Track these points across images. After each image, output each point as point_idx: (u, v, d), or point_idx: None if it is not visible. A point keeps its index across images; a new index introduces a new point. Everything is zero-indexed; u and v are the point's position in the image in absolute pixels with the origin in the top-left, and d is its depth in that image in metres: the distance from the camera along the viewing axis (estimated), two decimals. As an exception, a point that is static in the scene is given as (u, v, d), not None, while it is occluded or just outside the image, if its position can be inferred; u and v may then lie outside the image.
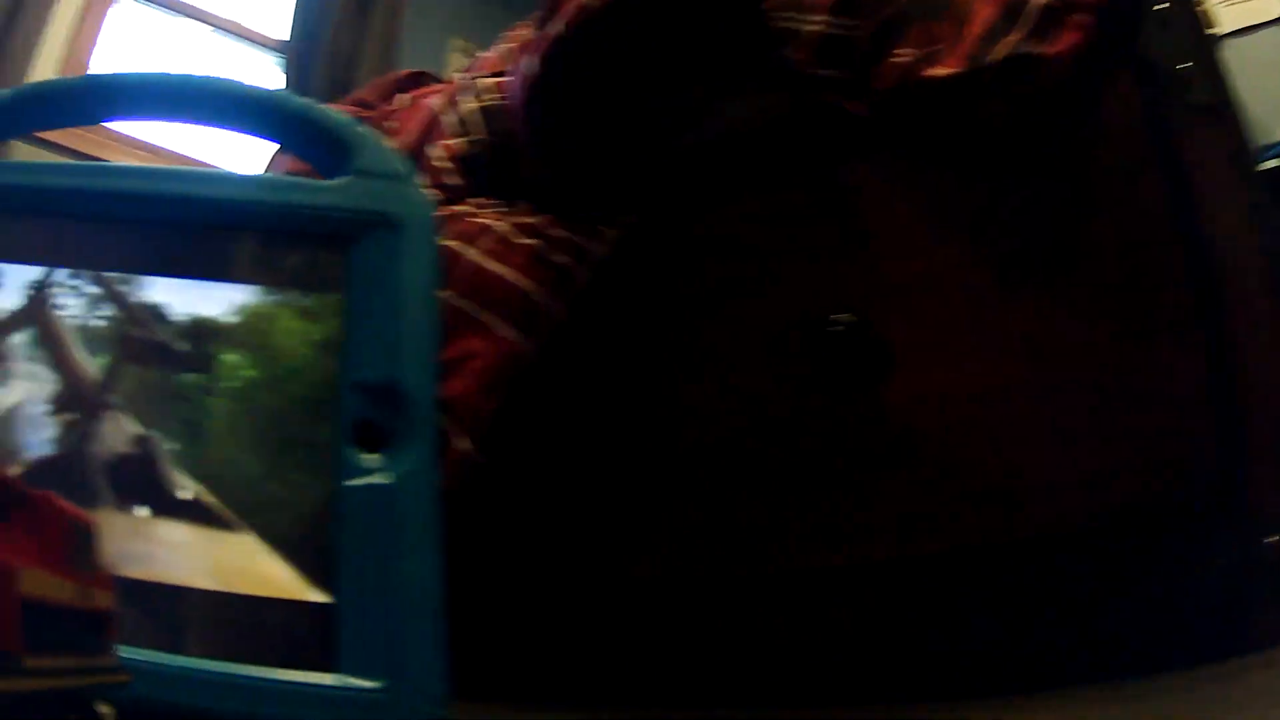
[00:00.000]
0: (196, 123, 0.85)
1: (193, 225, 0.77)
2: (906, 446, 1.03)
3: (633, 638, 1.09)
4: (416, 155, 1.34)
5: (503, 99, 1.26)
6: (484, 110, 1.27)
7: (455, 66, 3.50)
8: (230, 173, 0.80)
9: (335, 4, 3.21)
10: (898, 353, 1.03)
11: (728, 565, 1.07)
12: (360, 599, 0.70)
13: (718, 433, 1.10)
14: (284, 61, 3.17)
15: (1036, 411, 1.01)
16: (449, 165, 1.25)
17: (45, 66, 2.96)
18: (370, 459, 0.72)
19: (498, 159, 1.25)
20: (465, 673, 0.78)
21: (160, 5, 3.44)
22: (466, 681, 0.82)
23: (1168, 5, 1.14)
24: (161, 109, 0.86)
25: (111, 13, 3.25)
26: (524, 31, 1.38)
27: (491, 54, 1.44)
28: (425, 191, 0.77)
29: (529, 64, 1.15)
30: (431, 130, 1.39)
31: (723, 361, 1.12)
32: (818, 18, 1.09)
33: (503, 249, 1.09)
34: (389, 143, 0.77)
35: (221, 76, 0.83)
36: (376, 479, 0.71)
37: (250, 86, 0.82)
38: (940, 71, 1.01)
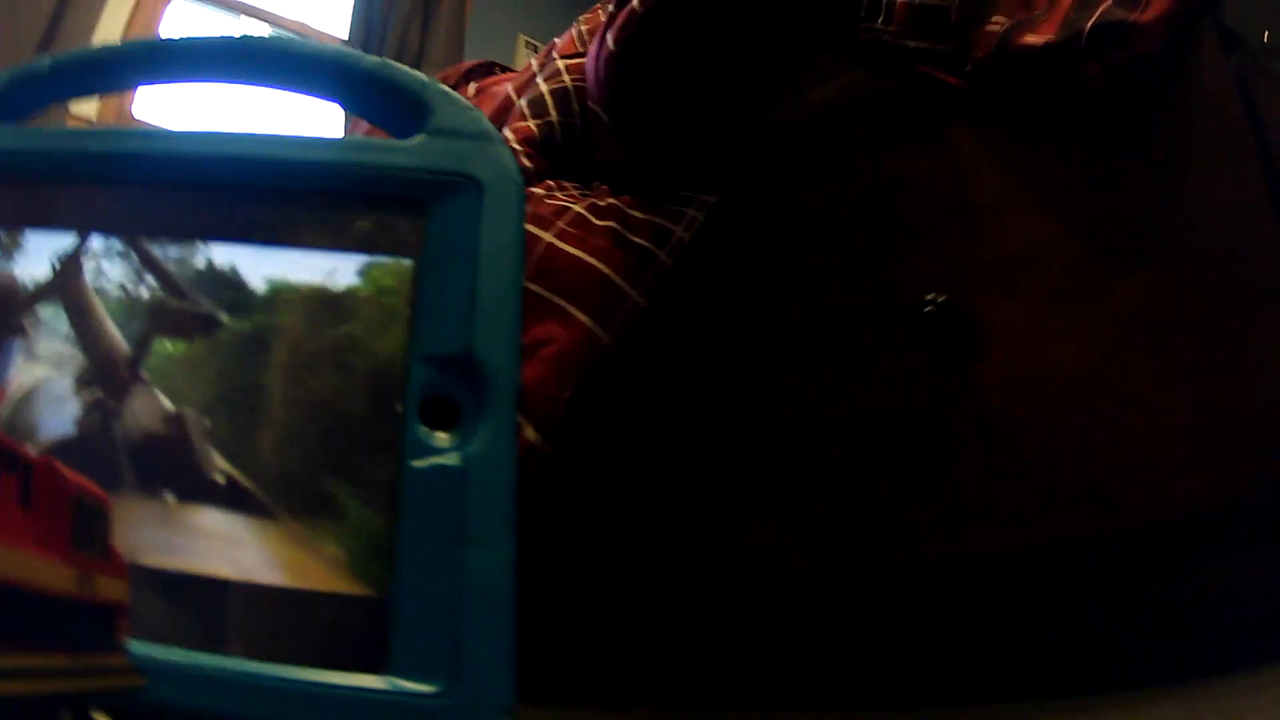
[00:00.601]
0: (263, 85, 0.80)
1: (259, 188, 0.72)
2: (1002, 432, 0.96)
3: (716, 638, 1.04)
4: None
5: (578, 80, 1.21)
6: (558, 91, 1.23)
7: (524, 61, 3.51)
8: (296, 135, 0.74)
9: (399, 2, 3.19)
10: (995, 332, 0.98)
11: (817, 561, 1.01)
12: (418, 593, 0.63)
13: (806, 422, 1.04)
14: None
15: (1136, 393, 0.95)
16: (522, 148, 1.21)
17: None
18: (440, 439, 0.65)
19: (573, 140, 1.21)
20: (533, 676, 0.72)
21: (220, 5, 3.43)
22: (535, 685, 0.76)
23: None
24: (226, 71, 0.81)
25: (170, 12, 3.23)
26: (599, 14, 1.34)
27: (566, 38, 1.40)
28: (510, 153, 0.70)
29: (607, 42, 1.10)
30: (503, 115, 1.34)
31: (813, 346, 1.06)
32: None
33: (579, 232, 1.04)
34: (468, 102, 0.72)
35: (287, 36, 0.78)
36: (445, 460, 0.65)
37: (318, 45, 0.77)
38: (1037, 39, 0.98)
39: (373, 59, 0.76)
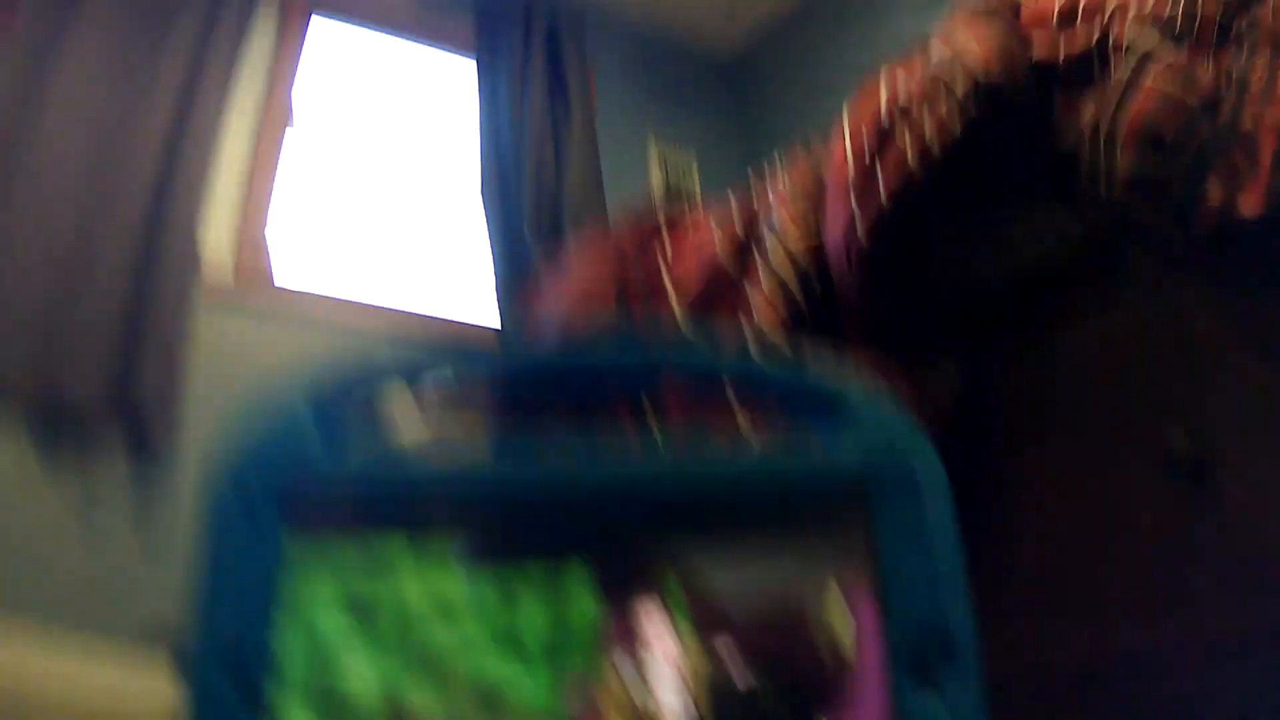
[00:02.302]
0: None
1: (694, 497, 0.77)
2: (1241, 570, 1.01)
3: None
4: (701, 306, 1.39)
5: (818, 258, 1.27)
6: (798, 270, 1.29)
7: (657, 166, 3.53)
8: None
9: (528, 118, 3.19)
10: (1230, 470, 1.02)
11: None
12: None
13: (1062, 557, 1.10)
14: (483, 197, 3.19)
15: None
16: (772, 319, 1.29)
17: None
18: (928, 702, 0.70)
19: (815, 301, 1.28)
20: None
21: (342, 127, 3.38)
22: None
23: None
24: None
25: (288, 136, 3.18)
26: (804, 165, 1.39)
27: (779, 186, 1.44)
28: (925, 434, 0.77)
29: (853, 234, 1.17)
30: (714, 273, 1.40)
31: (1067, 488, 1.12)
32: (1128, 158, 1.10)
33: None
34: (877, 388, 0.78)
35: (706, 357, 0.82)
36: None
37: (733, 364, 0.82)
38: (1248, 208, 1.01)
39: (786, 368, 0.80)
